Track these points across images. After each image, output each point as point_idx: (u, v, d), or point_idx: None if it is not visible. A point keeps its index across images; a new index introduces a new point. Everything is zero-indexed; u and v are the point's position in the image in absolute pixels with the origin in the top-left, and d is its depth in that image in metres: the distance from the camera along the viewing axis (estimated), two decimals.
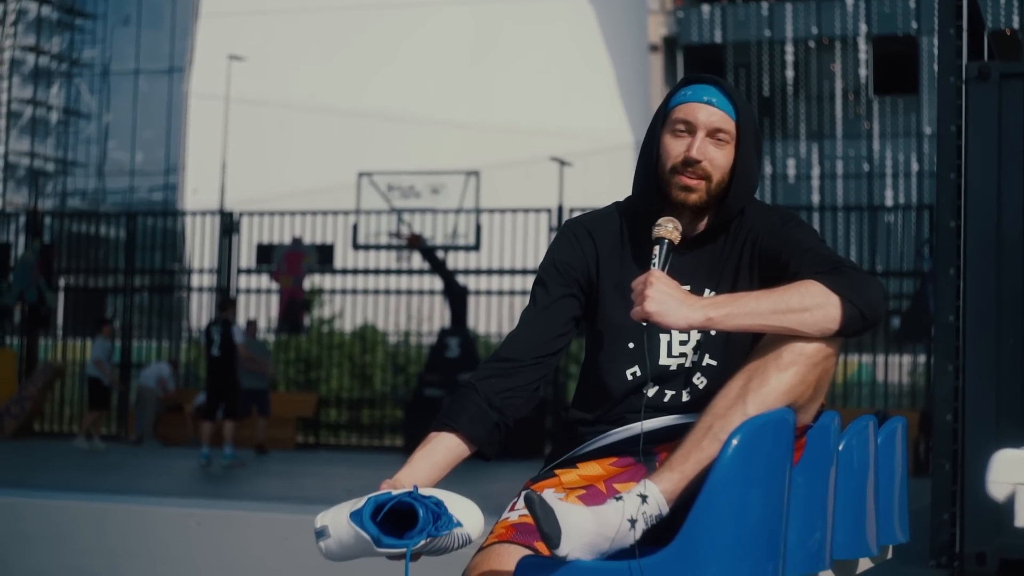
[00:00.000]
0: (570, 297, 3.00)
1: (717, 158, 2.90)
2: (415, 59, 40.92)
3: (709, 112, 2.90)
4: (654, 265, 2.79)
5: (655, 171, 2.94)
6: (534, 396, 2.97)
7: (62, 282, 23.78)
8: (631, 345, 2.91)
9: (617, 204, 3.09)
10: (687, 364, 2.91)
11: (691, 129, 2.90)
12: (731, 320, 2.67)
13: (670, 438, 2.78)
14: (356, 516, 2.63)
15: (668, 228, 2.83)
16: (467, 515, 2.72)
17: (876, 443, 3.26)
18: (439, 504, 2.67)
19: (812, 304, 2.66)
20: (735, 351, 2.86)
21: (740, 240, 2.94)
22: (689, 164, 2.88)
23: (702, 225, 2.96)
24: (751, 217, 2.96)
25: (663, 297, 2.66)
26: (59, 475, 14.43)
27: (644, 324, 2.72)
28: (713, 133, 2.90)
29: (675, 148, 2.91)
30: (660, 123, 2.96)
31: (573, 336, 3.03)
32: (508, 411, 2.91)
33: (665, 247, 2.81)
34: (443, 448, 2.88)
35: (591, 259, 3.00)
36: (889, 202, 35.46)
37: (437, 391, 19.63)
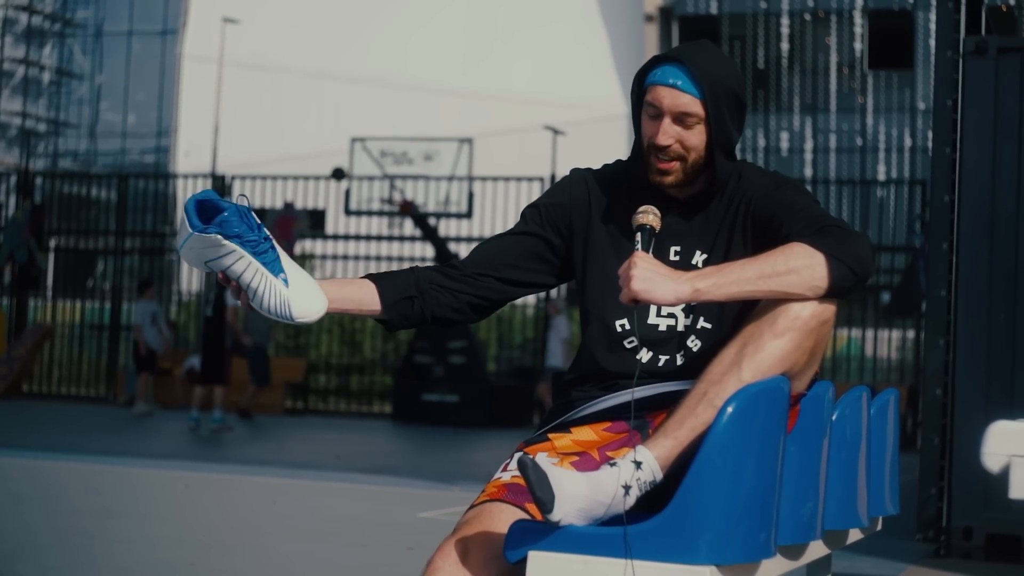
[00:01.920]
0: (536, 237, 3.03)
1: (688, 138, 2.89)
2: (410, 25, 40.77)
3: (674, 96, 2.88)
4: (637, 249, 2.79)
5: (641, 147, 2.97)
6: (463, 307, 3.02)
7: (52, 243, 23.73)
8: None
9: (621, 161, 3.10)
10: (679, 328, 2.91)
11: (659, 114, 2.91)
12: (719, 290, 2.68)
13: (664, 405, 2.78)
14: (187, 201, 2.75)
15: (649, 216, 2.84)
16: (302, 288, 2.79)
17: (869, 414, 3.26)
18: (259, 225, 2.76)
19: (798, 265, 2.67)
20: (729, 314, 2.87)
21: (735, 204, 2.94)
22: (659, 149, 2.89)
23: (696, 188, 2.96)
24: (746, 181, 2.96)
25: (648, 274, 2.67)
26: (48, 436, 14.44)
27: (634, 305, 2.72)
28: (679, 118, 2.89)
29: (648, 130, 2.93)
30: (638, 101, 2.97)
31: (532, 276, 3.06)
32: (428, 298, 2.99)
33: (647, 233, 2.82)
34: (356, 285, 2.96)
35: (579, 205, 3.02)
36: (882, 177, 35.45)
37: (427, 358, 19.64)
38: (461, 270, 3.02)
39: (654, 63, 2.94)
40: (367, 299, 2.96)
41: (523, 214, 3.08)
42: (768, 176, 2.97)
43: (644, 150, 2.93)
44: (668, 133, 2.88)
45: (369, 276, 3.00)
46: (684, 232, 2.94)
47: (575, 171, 3.11)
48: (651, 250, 2.80)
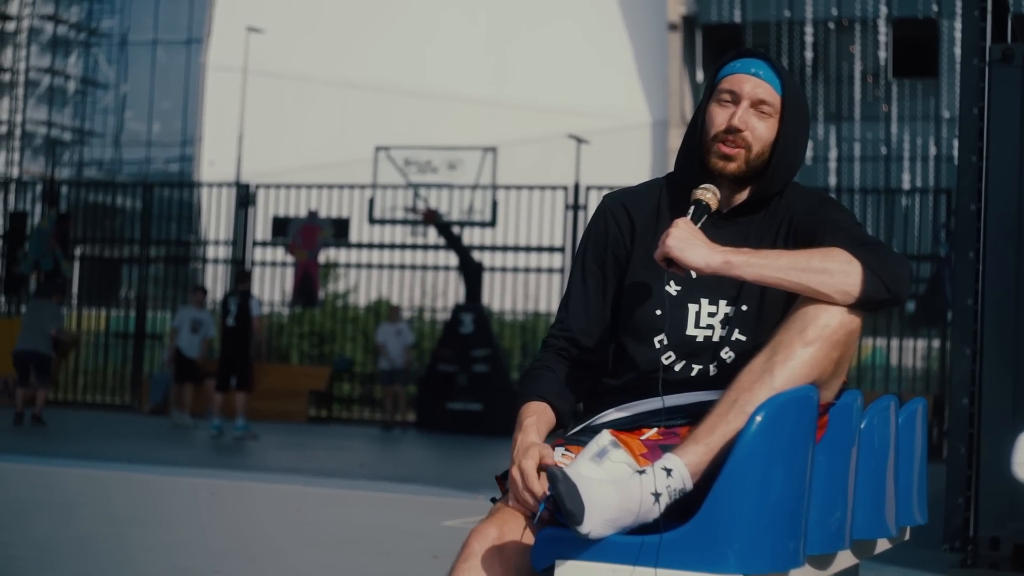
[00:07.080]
0: (607, 282, 3.04)
1: (759, 129, 2.92)
2: (434, 34, 40.84)
3: (755, 83, 2.93)
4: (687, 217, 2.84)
5: (699, 141, 2.97)
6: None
7: (78, 251, 23.82)
8: (658, 312, 2.92)
9: (657, 180, 3.12)
10: (715, 338, 2.91)
11: (736, 99, 2.93)
12: (750, 268, 2.69)
13: (695, 413, 2.77)
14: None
15: (708, 194, 2.89)
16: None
17: (897, 423, 3.24)
18: None
19: (834, 267, 2.68)
20: (765, 327, 2.86)
21: (779, 219, 2.96)
22: (731, 132, 2.91)
23: (740, 198, 2.97)
24: (789, 198, 2.98)
25: (684, 235, 2.71)
26: (73, 444, 14.48)
27: (666, 267, 2.73)
28: (757, 104, 2.92)
29: (719, 117, 2.94)
30: (708, 95, 3.00)
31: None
32: (577, 393, 3.08)
33: (701, 208, 2.87)
34: (546, 422, 3.08)
35: (624, 232, 3.03)
36: (906, 185, 35.35)
37: (450, 367, 19.63)
38: (583, 353, 3.00)
39: (735, 55, 2.98)
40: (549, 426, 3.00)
41: (588, 270, 3.04)
42: (812, 194, 3.01)
43: (706, 141, 2.94)
44: (744, 118, 2.91)
45: (539, 399, 3.03)
46: (728, 243, 2.93)
47: (608, 198, 3.11)
48: (699, 225, 2.83)
